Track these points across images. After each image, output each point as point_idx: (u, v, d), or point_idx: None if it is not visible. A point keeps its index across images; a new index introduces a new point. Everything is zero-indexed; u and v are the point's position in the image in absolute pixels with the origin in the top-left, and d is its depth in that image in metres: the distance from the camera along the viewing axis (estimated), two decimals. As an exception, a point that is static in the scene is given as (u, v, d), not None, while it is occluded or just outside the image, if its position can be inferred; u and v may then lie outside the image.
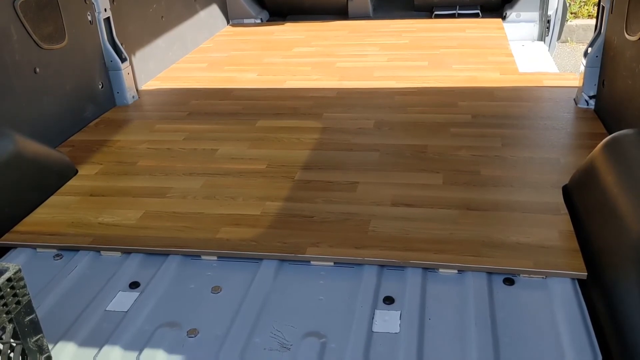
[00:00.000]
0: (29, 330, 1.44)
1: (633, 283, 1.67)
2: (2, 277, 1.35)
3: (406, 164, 2.80)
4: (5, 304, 1.36)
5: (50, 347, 1.74)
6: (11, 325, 1.38)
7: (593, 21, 8.26)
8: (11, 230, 2.42)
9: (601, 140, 2.31)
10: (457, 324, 1.83)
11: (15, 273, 1.38)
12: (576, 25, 8.47)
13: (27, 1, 2.97)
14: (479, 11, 5.52)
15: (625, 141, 2.12)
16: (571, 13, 8.52)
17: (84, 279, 2.15)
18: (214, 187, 2.68)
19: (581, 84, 3.35)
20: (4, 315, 1.36)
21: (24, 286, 1.41)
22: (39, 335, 1.47)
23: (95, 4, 3.53)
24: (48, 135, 3.09)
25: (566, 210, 2.31)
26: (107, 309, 1.98)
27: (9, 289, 1.36)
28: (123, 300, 2.02)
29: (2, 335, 1.37)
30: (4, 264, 1.40)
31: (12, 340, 1.39)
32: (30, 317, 1.44)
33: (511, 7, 5.37)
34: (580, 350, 1.70)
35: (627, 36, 2.76)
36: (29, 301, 1.43)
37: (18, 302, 1.39)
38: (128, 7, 3.95)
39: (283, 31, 5.45)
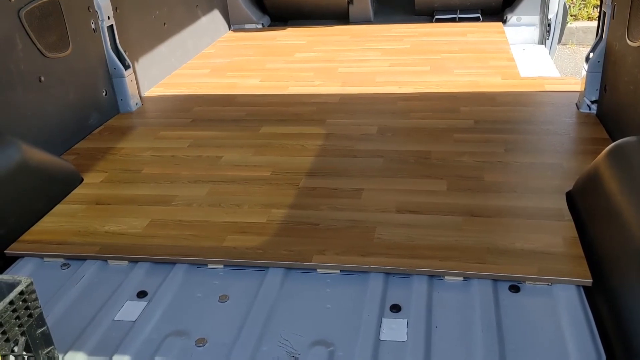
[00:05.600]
0: (40, 343, 1.45)
1: (638, 289, 1.69)
2: (15, 290, 1.36)
3: (410, 170, 2.81)
4: (17, 317, 1.37)
5: (60, 357, 1.75)
6: (23, 338, 1.40)
7: (593, 23, 8.28)
8: (18, 240, 2.43)
9: (604, 145, 2.33)
10: (463, 332, 1.85)
11: (28, 286, 1.39)
12: (576, 28, 8.48)
13: (31, 10, 2.99)
14: (479, 15, 5.53)
15: (629, 149, 2.14)
16: (571, 15, 8.54)
17: (91, 288, 2.17)
18: (219, 194, 2.70)
19: (583, 89, 3.36)
20: (17, 328, 1.37)
21: (36, 299, 1.42)
22: (50, 347, 1.49)
23: (98, 12, 3.55)
24: (53, 143, 3.10)
25: (570, 216, 2.33)
26: (115, 318, 1.99)
27: (21, 302, 1.38)
28: (131, 309, 2.03)
29: (14, 347, 1.39)
30: (15, 276, 1.41)
31: (24, 353, 1.40)
32: (42, 329, 1.46)
33: (512, 10, 5.38)
34: (586, 357, 1.71)
35: (629, 42, 2.77)
36: (41, 314, 1.44)
37: (30, 315, 1.41)
38: (131, 14, 3.97)
39: (285, 36, 5.47)
